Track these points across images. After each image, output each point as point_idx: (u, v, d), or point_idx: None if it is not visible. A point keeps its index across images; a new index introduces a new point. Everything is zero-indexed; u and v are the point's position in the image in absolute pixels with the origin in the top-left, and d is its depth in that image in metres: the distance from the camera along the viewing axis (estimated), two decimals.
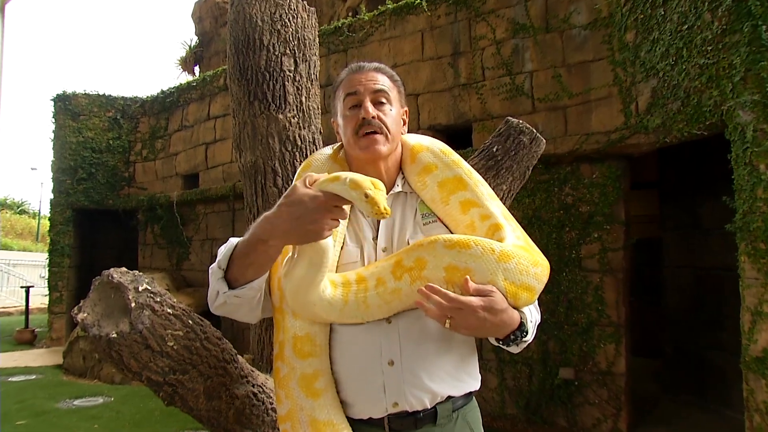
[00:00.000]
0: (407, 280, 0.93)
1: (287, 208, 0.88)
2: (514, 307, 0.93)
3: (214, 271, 0.97)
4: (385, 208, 0.82)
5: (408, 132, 1.17)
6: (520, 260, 0.92)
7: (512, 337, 0.92)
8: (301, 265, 0.93)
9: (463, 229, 1.05)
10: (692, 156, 4.24)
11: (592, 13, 3.93)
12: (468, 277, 0.88)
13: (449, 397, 0.99)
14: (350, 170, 1.11)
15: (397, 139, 1.09)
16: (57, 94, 7.84)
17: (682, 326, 4.52)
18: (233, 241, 0.98)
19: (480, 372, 1.09)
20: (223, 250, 0.97)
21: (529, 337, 0.97)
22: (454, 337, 0.99)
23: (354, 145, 1.05)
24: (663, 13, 3.36)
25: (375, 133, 1.03)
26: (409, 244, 1.03)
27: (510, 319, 0.90)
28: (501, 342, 0.94)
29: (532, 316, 0.99)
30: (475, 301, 0.87)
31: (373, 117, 1.02)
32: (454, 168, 1.08)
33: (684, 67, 3.18)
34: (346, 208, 0.90)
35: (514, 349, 0.98)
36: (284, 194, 0.90)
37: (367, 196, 0.83)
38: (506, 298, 0.90)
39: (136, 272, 1.04)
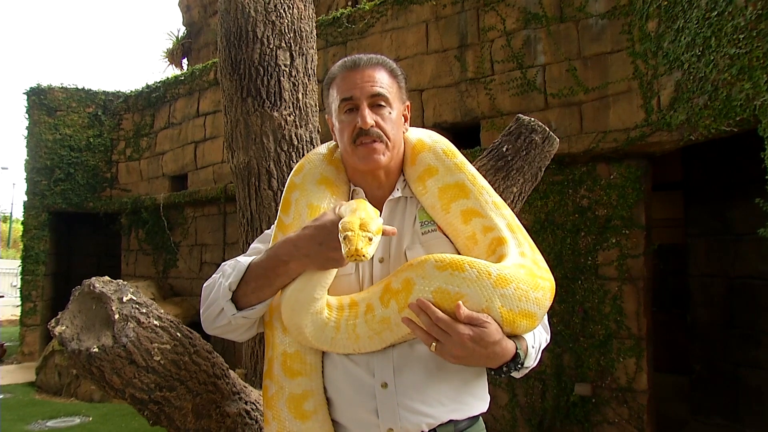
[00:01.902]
0: (394, 308, 0.92)
1: (312, 231, 0.94)
2: (512, 335, 0.92)
3: (223, 292, 0.98)
4: (356, 251, 0.83)
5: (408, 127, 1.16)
6: (519, 284, 0.90)
7: (504, 369, 0.93)
8: (299, 284, 0.96)
9: (464, 241, 1.04)
10: (721, 154, 4.24)
11: (611, 0, 3.95)
12: (461, 302, 0.87)
13: (451, 420, 0.99)
14: (347, 173, 1.13)
15: (399, 144, 1.09)
16: (31, 88, 7.87)
17: (712, 340, 4.50)
18: (243, 261, 1.00)
19: (490, 388, 1.08)
20: (231, 271, 0.99)
21: (531, 363, 0.97)
22: None
23: (351, 155, 1.05)
24: None
25: (374, 141, 1.03)
26: (406, 254, 1.03)
27: (503, 351, 0.90)
28: (493, 372, 0.95)
29: (535, 340, 0.98)
30: (464, 329, 0.86)
31: (371, 126, 1.02)
32: (456, 172, 1.07)
33: (712, 57, 3.18)
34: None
35: (515, 374, 0.98)
36: (313, 218, 0.97)
37: (345, 237, 0.85)
38: (502, 327, 0.89)
39: (120, 281, 1.05)
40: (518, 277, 0.91)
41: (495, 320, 0.89)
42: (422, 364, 0.97)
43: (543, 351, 1.04)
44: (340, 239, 0.86)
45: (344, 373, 1.00)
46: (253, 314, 0.99)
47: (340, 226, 0.88)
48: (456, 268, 0.89)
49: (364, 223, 0.87)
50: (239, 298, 0.98)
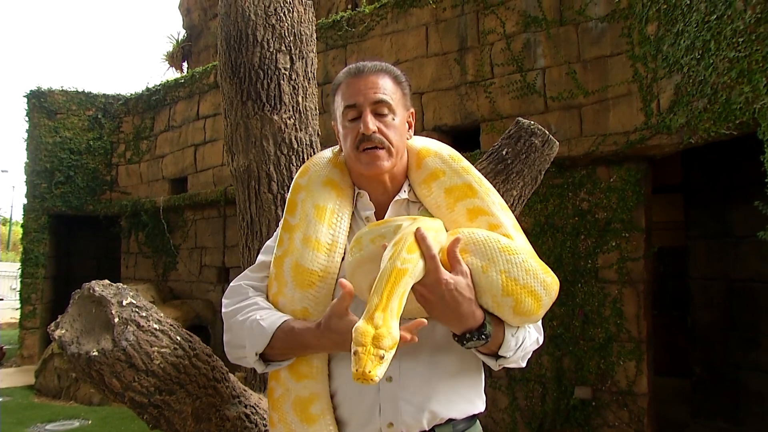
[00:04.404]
0: None
1: (332, 344, 0.95)
2: (520, 319, 0.93)
3: (249, 354, 0.99)
4: (364, 374, 0.77)
5: (413, 134, 1.18)
6: (529, 259, 0.92)
7: (468, 336, 0.91)
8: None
9: None
10: (720, 157, 4.25)
11: (610, 3, 3.96)
12: (460, 237, 0.91)
13: (449, 420, 1.00)
14: (351, 177, 1.13)
15: (402, 150, 1.10)
16: (31, 90, 7.89)
17: (712, 343, 4.50)
18: (266, 325, 0.98)
19: (489, 391, 1.10)
20: (254, 334, 0.98)
21: (509, 354, 0.96)
22: (459, 353, 1.00)
23: (355, 161, 1.07)
24: (688, 2, 3.39)
25: (377, 148, 1.04)
26: None
27: (471, 314, 0.90)
28: (456, 339, 0.94)
29: (518, 331, 0.97)
30: (445, 274, 0.88)
31: (373, 132, 1.03)
32: (463, 174, 1.09)
33: (711, 61, 3.19)
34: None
35: (492, 365, 0.99)
36: (325, 325, 0.93)
37: (355, 352, 0.80)
38: (498, 296, 0.90)
39: (120, 285, 1.05)
40: (529, 253, 0.94)
41: (491, 284, 0.90)
42: (426, 361, 0.99)
43: (540, 352, 1.05)
44: (351, 351, 0.81)
45: (349, 367, 1.00)
46: (281, 366, 1.02)
47: (353, 333, 0.82)
48: (466, 231, 0.95)
49: (378, 335, 0.80)
50: (266, 352, 0.99)
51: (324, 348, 0.97)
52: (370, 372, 0.77)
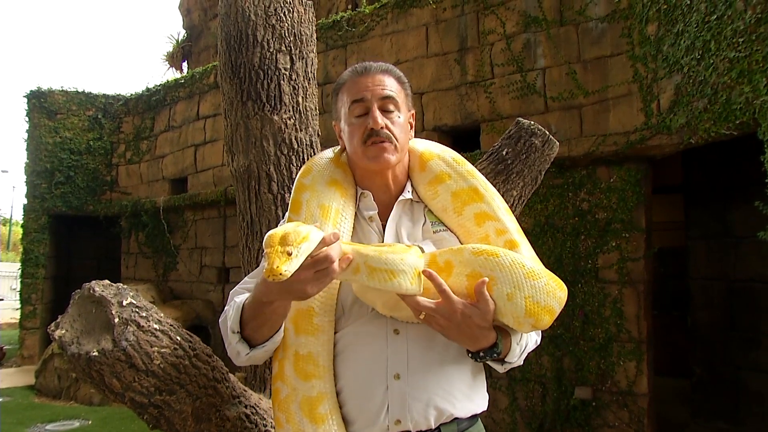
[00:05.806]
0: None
1: (275, 285, 0.92)
2: (533, 326, 0.96)
3: (230, 334, 1.00)
4: (271, 270, 0.80)
5: (413, 134, 1.19)
6: (549, 281, 0.96)
7: (481, 354, 0.97)
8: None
9: (476, 242, 1.07)
10: (721, 157, 4.25)
11: (610, 4, 3.96)
12: (487, 279, 0.92)
13: (454, 419, 1.01)
14: (355, 177, 1.14)
15: (406, 147, 1.12)
16: (31, 91, 7.89)
17: (712, 344, 4.50)
18: (239, 301, 1.01)
19: (490, 391, 1.11)
20: (231, 312, 1.01)
21: (513, 359, 1.01)
22: (464, 351, 1.01)
23: (362, 155, 1.07)
24: (689, 2, 3.39)
25: (383, 141, 1.05)
26: None
27: (484, 336, 0.95)
28: (470, 355, 0.99)
29: (521, 338, 1.02)
30: (459, 303, 0.92)
31: (381, 127, 1.05)
32: (469, 179, 1.11)
33: (712, 61, 3.19)
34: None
35: (498, 368, 1.04)
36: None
37: (265, 254, 0.83)
38: (521, 317, 0.93)
39: (120, 285, 1.05)
40: (548, 274, 0.96)
41: (516, 308, 0.92)
42: (435, 360, 1.01)
43: (540, 353, 1.08)
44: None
45: (356, 365, 1.01)
46: (266, 350, 1.00)
47: (264, 241, 0.85)
48: (491, 254, 0.95)
49: (285, 235, 0.83)
50: (248, 336, 0.99)
51: (272, 295, 0.92)
52: (277, 267, 0.80)
